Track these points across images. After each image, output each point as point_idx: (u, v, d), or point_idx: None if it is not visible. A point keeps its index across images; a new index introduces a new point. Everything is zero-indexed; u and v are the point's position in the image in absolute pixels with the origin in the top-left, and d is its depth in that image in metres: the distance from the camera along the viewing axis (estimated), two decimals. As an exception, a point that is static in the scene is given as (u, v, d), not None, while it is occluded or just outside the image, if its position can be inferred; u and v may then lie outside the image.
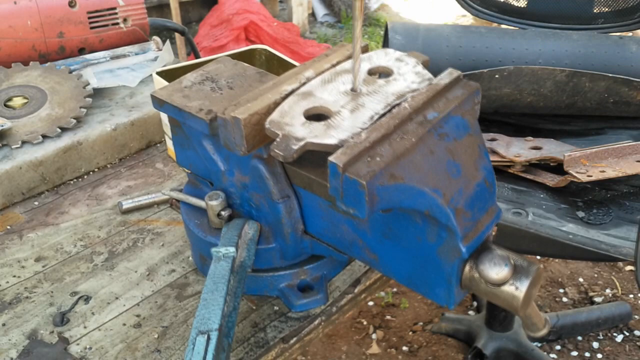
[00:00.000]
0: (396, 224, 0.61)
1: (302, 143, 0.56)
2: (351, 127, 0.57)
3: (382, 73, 0.67)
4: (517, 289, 0.55)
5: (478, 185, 0.57)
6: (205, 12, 3.52)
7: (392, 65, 0.67)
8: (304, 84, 0.67)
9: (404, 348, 1.89)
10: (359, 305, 0.84)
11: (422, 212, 0.56)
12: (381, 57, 0.68)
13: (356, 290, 0.81)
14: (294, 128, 0.58)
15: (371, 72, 0.66)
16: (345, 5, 4.10)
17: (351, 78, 0.63)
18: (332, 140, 0.56)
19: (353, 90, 0.63)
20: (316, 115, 0.61)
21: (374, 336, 1.93)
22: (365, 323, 1.97)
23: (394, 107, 0.59)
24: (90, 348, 0.74)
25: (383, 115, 0.59)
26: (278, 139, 0.57)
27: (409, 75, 0.64)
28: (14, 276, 0.86)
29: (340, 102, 0.61)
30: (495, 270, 0.56)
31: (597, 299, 2.10)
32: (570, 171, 1.15)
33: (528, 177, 1.22)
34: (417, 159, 0.55)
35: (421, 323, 1.98)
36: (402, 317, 2.00)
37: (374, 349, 1.89)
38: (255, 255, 0.72)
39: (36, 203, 1.01)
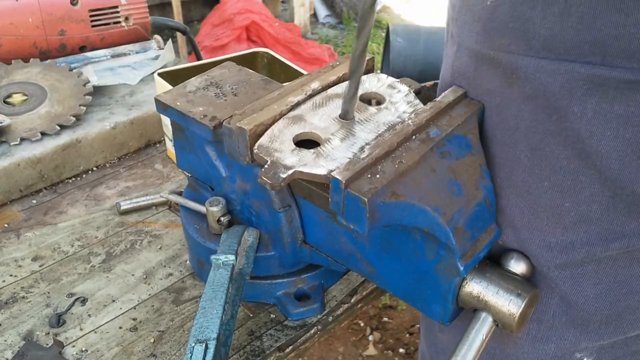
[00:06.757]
0: (395, 238, 0.61)
1: (290, 172, 0.56)
2: (341, 157, 0.57)
3: (374, 99, 0.67)
4: (514, 309, 0.55)
5: (478, 205, 0.58)
6: (207, 11, 3.51)
7: (384, 92, 0.67)
8: (309, 96, 0.67)
9: (401, 350, 1.89)
10: (355, 314, 0.84)
11: (422, 229, 0.56)
12: (373, 83, 0.68)
13: (353, 300, 0.82)
14: (283, 154, 0.58)
15: (363, 98, 0.66)
16: (347, 6, 4.10)
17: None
18: (321, 171, 0.55)
19: (344, 117, 0.62)
20: (306, 141, 0.61)
21: (370, 338, 1.93)
22: (362, 325, 1.98)
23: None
24: (86, 351, 0.74)
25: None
26: (266, 166, 0.57)
27: (400, 105, 0.65)
28: (11, 275, 0.86)
29: (331, 129, 0.61)
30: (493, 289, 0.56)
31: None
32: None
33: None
34: (419, 177, 0.55)
35: (418, 325, 1.98)
36: (399, 319, 2.00)
37: (371, 350, 1.89)
38: (254, 263, 0.72)
39: (34, 201, 1.01)
